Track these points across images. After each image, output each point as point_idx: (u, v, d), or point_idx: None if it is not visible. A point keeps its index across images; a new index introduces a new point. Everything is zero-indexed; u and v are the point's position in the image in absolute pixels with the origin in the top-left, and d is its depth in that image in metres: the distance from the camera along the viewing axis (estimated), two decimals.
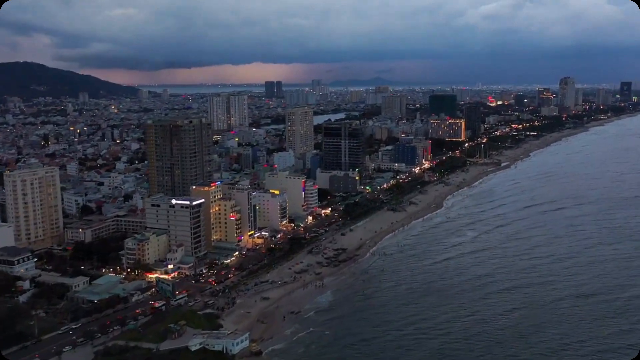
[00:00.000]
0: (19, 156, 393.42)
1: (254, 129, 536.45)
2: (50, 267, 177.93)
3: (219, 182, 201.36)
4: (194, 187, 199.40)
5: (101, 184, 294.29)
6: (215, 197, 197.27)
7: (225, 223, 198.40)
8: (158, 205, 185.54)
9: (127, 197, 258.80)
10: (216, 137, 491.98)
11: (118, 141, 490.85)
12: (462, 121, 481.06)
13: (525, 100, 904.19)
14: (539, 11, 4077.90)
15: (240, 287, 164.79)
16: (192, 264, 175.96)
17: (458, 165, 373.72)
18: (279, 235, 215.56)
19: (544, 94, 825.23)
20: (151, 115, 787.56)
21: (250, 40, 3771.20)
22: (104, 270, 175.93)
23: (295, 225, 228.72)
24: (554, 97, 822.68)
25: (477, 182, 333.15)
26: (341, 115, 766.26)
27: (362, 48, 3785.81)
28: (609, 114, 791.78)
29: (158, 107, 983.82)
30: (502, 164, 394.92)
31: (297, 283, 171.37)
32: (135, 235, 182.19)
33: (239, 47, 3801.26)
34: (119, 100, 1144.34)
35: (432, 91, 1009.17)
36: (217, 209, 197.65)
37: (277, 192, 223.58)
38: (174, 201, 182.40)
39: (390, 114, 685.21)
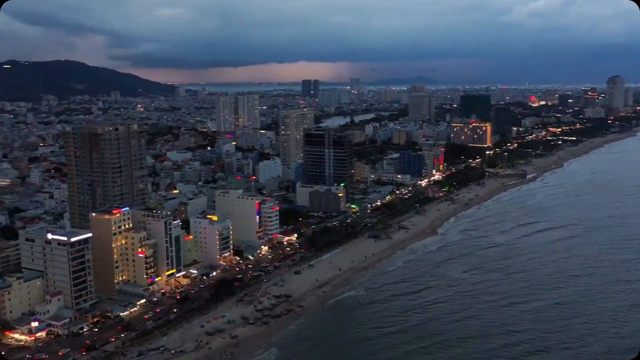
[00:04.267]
0: (3, 159, 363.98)
1: (261, 132, 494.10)
2: None
3: (126, 209, 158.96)
4: (93, 214, 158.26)
5: (52, 196, 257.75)
6: (120, 227, 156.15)
7: (134, 260, 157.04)
8: (32, 240, 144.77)
9: (60, 216, 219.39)
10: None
11: None
12: (488, 124, 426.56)
13: (570, 101, 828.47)
14: (590, 7, 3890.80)
15: (114, 358, 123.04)
16: (67, 319, 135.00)
17: (474, 178, 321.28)
18: (213, 274, 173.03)
19: (589, 94, 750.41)
20: (173, 114, 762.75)
21: (294, 39, 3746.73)
22: None
23: (242, 259, 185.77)
24: (601, 97, 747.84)
25: (490, 200, 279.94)
26: (371, 116, 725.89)
27: (407, 46, 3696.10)
28: None
29: (188, 105, 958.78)
30: (528, 176, 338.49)
31: (200, 352, 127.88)
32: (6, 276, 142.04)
33: (283, 46, 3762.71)
34: (154, 98, 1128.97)
35: (475, 90, 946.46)
36: (122, 242, 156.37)
37: (215, 217, 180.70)
38: (50, 235, 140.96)
39: (418, 115, 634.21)
